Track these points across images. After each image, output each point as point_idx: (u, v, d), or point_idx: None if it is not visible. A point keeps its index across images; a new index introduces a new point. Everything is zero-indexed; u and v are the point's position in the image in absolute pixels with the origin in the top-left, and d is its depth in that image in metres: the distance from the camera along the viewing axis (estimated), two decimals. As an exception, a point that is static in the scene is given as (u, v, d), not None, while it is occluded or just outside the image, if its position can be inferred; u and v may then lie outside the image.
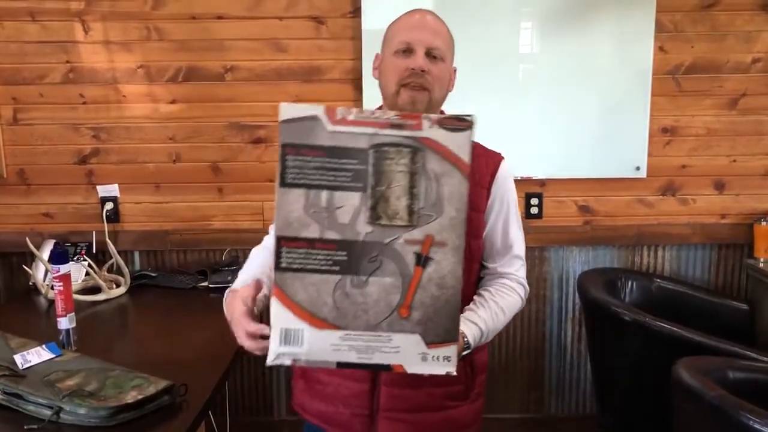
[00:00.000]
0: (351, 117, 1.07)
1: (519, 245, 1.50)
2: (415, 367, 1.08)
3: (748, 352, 2.12)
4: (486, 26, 2.64)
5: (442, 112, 1.48)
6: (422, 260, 1.07)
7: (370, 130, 1.07)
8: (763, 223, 2.74)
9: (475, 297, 1.44)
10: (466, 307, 1.39)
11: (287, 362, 1.08)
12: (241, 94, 2.69)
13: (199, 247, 2.77)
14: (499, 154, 1.50)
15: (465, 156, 1.08)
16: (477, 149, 1.47)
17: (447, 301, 1.08)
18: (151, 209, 2.76)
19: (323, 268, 1.07)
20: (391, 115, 1.08)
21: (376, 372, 1.39)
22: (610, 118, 2.72)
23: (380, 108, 1.47)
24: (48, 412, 1.34)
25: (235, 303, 1.21)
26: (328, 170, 1.07)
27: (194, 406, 1.46)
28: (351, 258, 1.07)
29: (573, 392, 2.97)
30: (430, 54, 1.36)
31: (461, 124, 1.08)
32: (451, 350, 1.09)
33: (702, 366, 1.84)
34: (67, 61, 2.66)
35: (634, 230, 2.82)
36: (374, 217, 1.07)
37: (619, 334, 2.34)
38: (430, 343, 1.07)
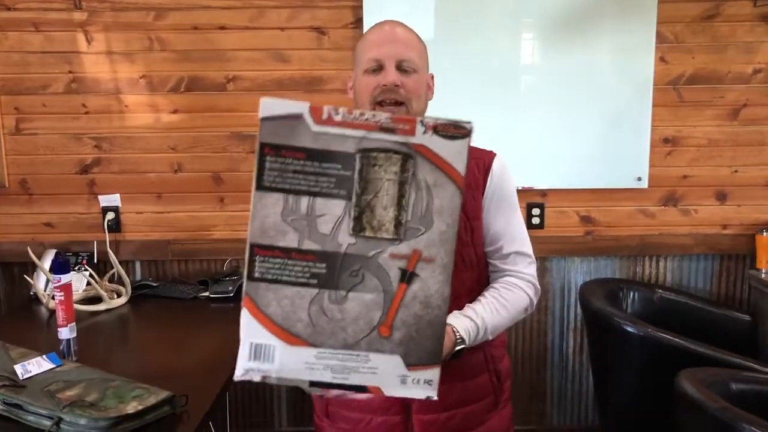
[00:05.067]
0: (338, 117, 0.97)
1: (523, 242, 1.43)
2: (393, 389, 1.01)
3: (751, 364, 2.11)
4: (487, 38, 2.65)
5: None
6: (407, 276, 0.99)
7: (358, 132, 0.98)
8: (765, 234, 2.73)
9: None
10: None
11: (256, 378, 1.02)
12: (243, 104, 2.70)
13: (201, 257, 2.77)
14: (491, 152, 1.45)
15: (460, 166, 0.99)
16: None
17: (431, 321, 1.00)
18: (153, 219, 2.76)
19: (299, 280, 0.99)
20: (382, 117, 0.98)
21: (406, 403, 1.37)
22: (611, 129, 2.72)
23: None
24: (48, 423, 1.34)
25: None
26: (309, 174, 0.98)
27: (195, 417, 1.45)
28: (330, 271, 0.99)
29: (575, 404, 2.96)
30: (401, 67, 1.34)
31: (458, 131, 0.99)
32: (433, 373, 1.02)
33: (704, 377, 1.84)
34: (70, 71, 2.67)
35: (635, 241, 2.82)
36: (358, 228, 0.99)
37: (621, 345, 2.33)
38: (410, 365, 1.01)
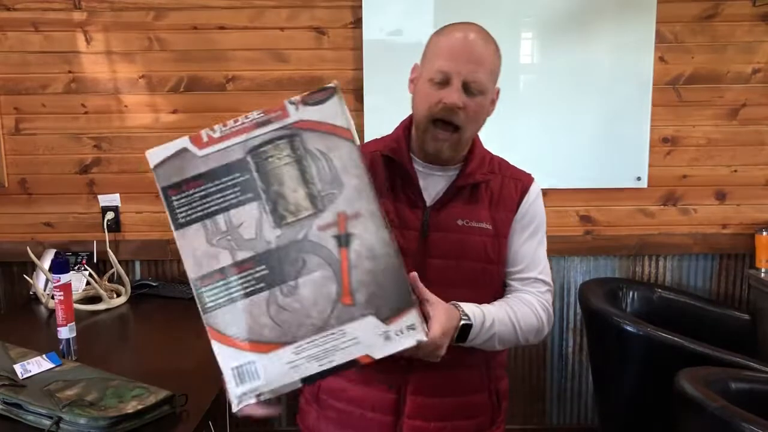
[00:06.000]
0: (216, 135, 1.04)
1: (544, 270, 1.40)
2: (381, 350, 0.99)
3: (750, 363, 2.12)
4: (487, 37, 2.64)
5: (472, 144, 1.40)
6: (343, 239, 1.00)
7: (240, 138, 1.03)
8: (765, 233, 2.74)
9: None
10: None
11: (252, 401, 1.02)
12: (243, 104, 2.70)
13: (200, 257, 2.77)
14: (530, 175, 1.43)
15: (342, 122, 1.02)
16: (507, 170, 1.41)
17: (385, 269, 1.00)
18: (152, 219, 2.76)
19: (248, 290, 1.01)
20: (254, 114, 1.04)
21: (398, 404, 1.33)
22: (610, 128, 2.72)
23: (408, 122, 1.39)
24: (48, 422, 1.34)
25: None
26: (214, 194, 1.02)
27: (194, 416, 1.46)
28: (272, 269, 1.01)
29: (574, 403, 2.96)
30: (467, 88, 1.25)
31: (325, 93, 1.03)
32: (411, 317, 1.00)
33: (704, 377, 1.84)
34: (70, 71, 2.67)
35: (635, 240, 2.82)
36: (279, 219, 1.01)
37: (621, 345, 2.33)
38: (386, 319, 1.00)
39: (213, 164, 1.03)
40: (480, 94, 1.27)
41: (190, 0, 2.63)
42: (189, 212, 1.03)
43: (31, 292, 2.49)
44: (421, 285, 1.14)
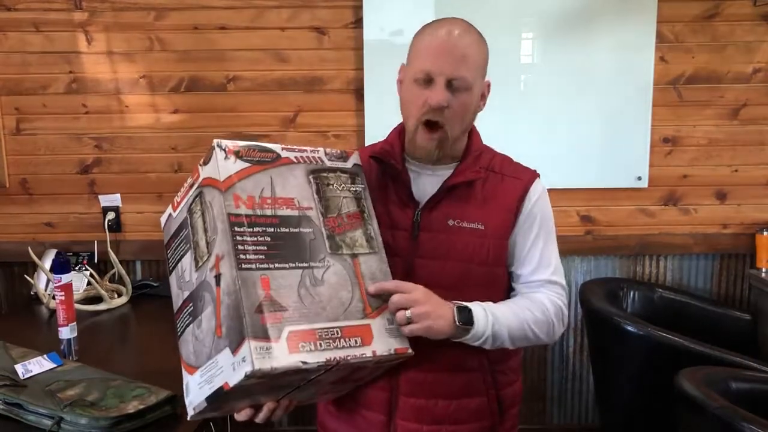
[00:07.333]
0: (178, 199, 1.28)
1: (555, 269, 1.37)
2: (231, 379, 1.08)
3: (751, 363, 2.12)
4: (487, 37, 2.64)
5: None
6: (218, 279, 1.13)
7: (185, 200, 1.26)
8: (765, 233, 2.74)
9: None
10: None
11: (191, 412, 1.20)
12: (243, 104, 2.70)
13: (201, 257, 2.77)
14: (533, 172, 1.41)
15: (217, 175, 1.16)
16: (507, 169, 1.39)
17: (233, 303, 1.09)
18: (153, 219, 2.76)
19: (186, 323, 1.22)
20: (188, 180, 1.25)
21: (390, 404, 1.33)
22: (611, 128, 2.72)
23: (402, 125, 1.40)
24: (49, 422, 1.34)
25: None
26: (177, 247, 1.27)
27: (195, 417, 1.45)
28: (194, 305, 1.20)
29: (575, 403, 2.96)
30: (451, 85, 1.24)
31: (209, 153, 1.19)
32: (244, 350, 1.05)
33: (704, 376, 1.84)
34: (70, 72, 2.68)
35: (635, 240, 2.82)
36: (196, 264, 1.20)
37: (621, 345, 2.34)
38: (234, 351, 1.08)
39: (177, 223, 1.27)
40: (465, 91, 1.26)
41: (191, 0, 2.63)
42: (170, 262, 1.29)
43: (32, 292, 2.50)
44: (388, 284, 1.20)
